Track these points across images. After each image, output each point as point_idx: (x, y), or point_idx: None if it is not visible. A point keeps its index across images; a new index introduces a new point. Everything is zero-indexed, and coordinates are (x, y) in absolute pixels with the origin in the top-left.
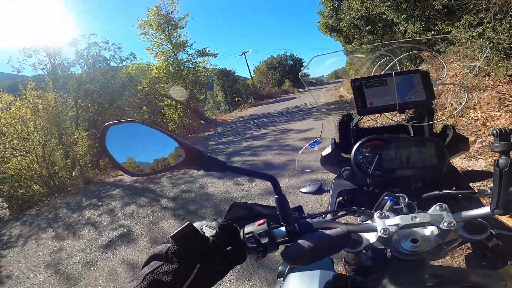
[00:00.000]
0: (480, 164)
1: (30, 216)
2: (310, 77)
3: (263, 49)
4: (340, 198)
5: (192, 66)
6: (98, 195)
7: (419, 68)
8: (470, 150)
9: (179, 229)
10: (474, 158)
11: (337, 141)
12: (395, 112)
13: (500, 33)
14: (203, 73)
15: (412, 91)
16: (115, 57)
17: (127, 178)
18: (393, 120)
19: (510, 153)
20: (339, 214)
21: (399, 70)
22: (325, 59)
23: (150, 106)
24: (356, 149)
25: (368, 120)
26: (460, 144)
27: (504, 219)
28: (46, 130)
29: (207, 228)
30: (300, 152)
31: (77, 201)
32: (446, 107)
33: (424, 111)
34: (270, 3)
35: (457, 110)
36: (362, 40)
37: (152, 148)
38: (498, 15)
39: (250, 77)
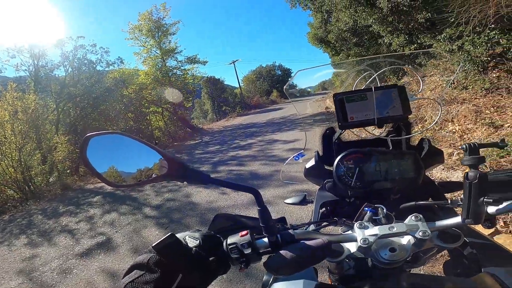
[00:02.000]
0: (457, 175)
1: (3, 221)
2: (296, 88)
3: (252, 59)
4: (324, 209)
5: (181, 73)
6: (77, 202)
7: (402, 80)
8: (448, 161)
9: (161, 239)
10: (452, 169)
11: (321, 153)
12: (374, 126)
13: (478, 46)
14: (192, 80)
15: (390, 106)
16: (101, 61)
17: (107, 186)
18: (373, 134)
19: (479, 166)
20: (321, 225)
21: (379, 85)
22: (312, 72)
23: (135, 112)
24: (337, 162)
25: (351, 132)
26: (435, 156)
27: (479, 228)
28: (24, 134)
29: (190, 238)
30: (284, 164)
31: (53, 207)
32: (426, 120)
33: (402, 125)
34: (262, 14)
35: (432, 125)
36: (349, 52)
37: (135, 160)
38: (477, 28)
39: (238, 86)
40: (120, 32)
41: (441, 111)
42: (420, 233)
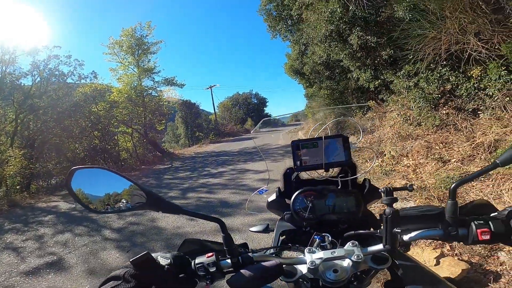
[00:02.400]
0: (410, 205)
1: None
2: (260, 130)
3: (230, 85)
4: (284, 236)
5: (156, 95)
6: (25, 220)
7: (367, 115)
8: (403, 193)
9: (138, 256)
10: (405, 200)
11: (282, 189)
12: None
13: (431, 84)
14: (166, 102)
15: (336, 153)
16: (74, 73)
17: (63, 205)
18: (323, 176)
19: (394, 204)
20: (278, 250)
21: (329, 134)
22: (286, 104)
23: (102, 131)
24: (294, 197)
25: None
26: (374, 193)
27: (411, 252)
28: None
29: (162, 258)
30: (249, 198)
31: None
32: (385, 154)
33: (348, 167)
34: (243, 41)
35: (368, 170)
36: (321, 84)
37: (114, 190)
38: (431, 65)
39: (214, 112)
40: (98, 46)
41: (375, 159)
42: (355, 257)
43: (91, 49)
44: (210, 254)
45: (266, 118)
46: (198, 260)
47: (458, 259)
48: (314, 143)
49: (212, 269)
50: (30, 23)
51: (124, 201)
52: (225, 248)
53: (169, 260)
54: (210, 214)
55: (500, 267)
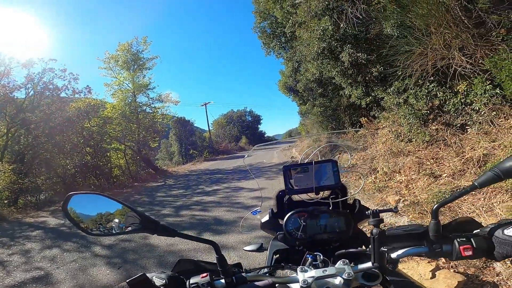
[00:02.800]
0: (404, 220)
1: None
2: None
3: (224, 102)
4: (278, 255)
5: (150, 111)
6: (11, 234)
7: (359, 132)
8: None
9: (135, 277)
10: (399, 215)
11: (275, 210)
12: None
13: (420, 100)
14: (161, 119)
15: (326, 177)
16: (68, 87)
17: (51, 221)
18: (315, 198)
19: (381, 225)
20: (271, 269)
21: (319, 159)
22: (280, 121)
23: (94, 147)
24: (286, 218)
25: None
26: (364, 213)
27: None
28: None
29: (157, 278)
30: (243, 219)
31: None
32: (378, 171)
33: (338, 189)
34: (238, 58)
35: (357, 192)
36: (314, 102)
37: (99, 213)
38: (419, 81)
39: (208, 129)
40: (94, 60)
41: (364, 181)
42: (346, 275)
43: (86, 63)
44: (204, 274)
45: (257, 145)
46: (192, 280)
47: (454, 271)
48: (305, 168)
49: None
50: (27, 35)
51: (117, 221)
52: (219, 268)
53: (164, 281)
54: (204, 237)
55: (497, 277)
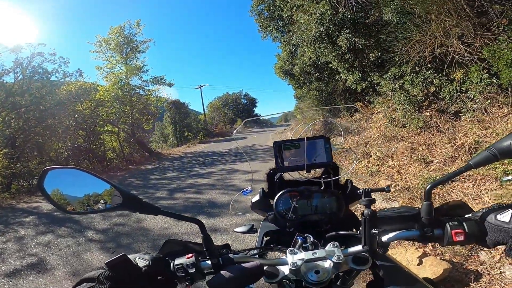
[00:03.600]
0: (394, 205)
1: None
2: (246, 127)
3: (220, 84)
4: (268, 237)
5: (144, 94)
6: (5, 221)
7: (354, 116)
8: (388, 193)
9: (114, 257)
10: (390, 200)
11: (266, 190)
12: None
13: (416, 86)
14: (155, 102)
15: (318, 154)
16: (58, 71)
17: (45, 206)
18: (305, 177)
19: (372, 205)
20: (260, 251)
21: (311, 135)
22: (274, 105)
23: (87, 130)
24: (277, 198)
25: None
26: (356, 194)
27: (395, 251)
28: None
29: (140, 260)
30: (233, 198)
31: None
32: (371, 155)
33: (330, 168)
34: (234, 41)
35: (350, 170)
36: (310, 86)
37: (91, 191)
38: (416, 68)
39: (203, 112)
40: (84, 44)
41: (356, 159)
42: (336, 258)
43: (77, 47)
44: (189, 255)
45: (249, 119)
46: (177, 261)
47: (440, 258)
48: (296, 144)
49: (192, 270)
50: (14, 19)
51: (103, 202)
52: (204, 249)
53: (147, 262)
54: (189, 216)
55: (481, 266)
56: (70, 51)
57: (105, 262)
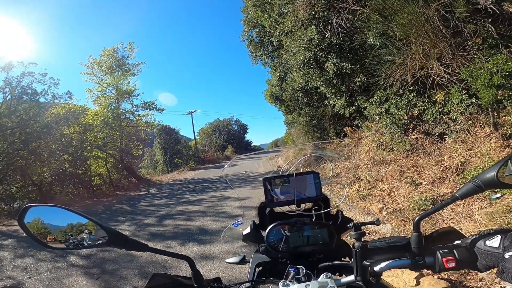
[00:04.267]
0: (387, 228)
1: None
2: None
3: (211, 110)
4: (260, 268)
5: (134, 119)
6: None
7: (343, 142)
8: (379, 216)
9: None
10: (382, 222)
11: (257, 222)
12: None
13: (400, 109)
14: (145, 127)
15: (307, 188)
16: (48, 92)
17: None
18: (297, 210)
19: (362, 238)
20: (253, 284)
21: (301, 171)
22: (265, 130)
23: (73, 154)
24: (268, 230)
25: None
26: (347, 224)
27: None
28: None
29: None
30: (224, 230)
31: None
32: (361, 180)
33: (321, 201)
34: (225, 67)
35: (339, 203)
36: (300, 111)
37: (69, 223)
38: (400, 91)
39: (194, 138)
40: (76, 65)
41: (346, 193)
42: None
43: (68, 67)
44: None
45: (236, 156)
46: None
47: (438, 277)
48: (286, 180)
49: None
50: (7, 37)
51: (88, 232)
52: (194, 285)
53: None
54: (178, 252)
55: (480, 283)
56: (61, 71)
57: None
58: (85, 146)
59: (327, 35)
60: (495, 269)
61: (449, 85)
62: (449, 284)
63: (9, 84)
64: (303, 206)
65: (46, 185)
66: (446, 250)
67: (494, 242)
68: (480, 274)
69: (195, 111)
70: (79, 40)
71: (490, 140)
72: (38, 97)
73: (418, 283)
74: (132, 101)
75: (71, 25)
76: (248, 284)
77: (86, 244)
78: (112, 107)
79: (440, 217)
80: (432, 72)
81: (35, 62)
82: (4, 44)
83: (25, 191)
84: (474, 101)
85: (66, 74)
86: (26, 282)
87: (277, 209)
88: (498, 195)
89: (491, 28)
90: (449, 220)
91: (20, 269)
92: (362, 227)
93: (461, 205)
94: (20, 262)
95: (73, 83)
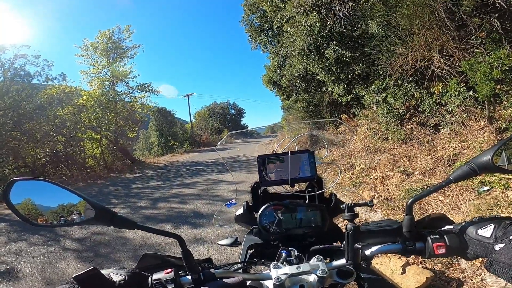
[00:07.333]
0: (378, 216)
1: None
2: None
3: (207, 94)
4: (252, 250)
5: (130, 100)
6: None
7: (339, 129)
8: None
9: (83, 271)
10: (373, 211)
11: (250, 203)
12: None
13: (398, 99)
14: (140, 109)
15: (302, 168)
16: (41, 74)
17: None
18: (291, 190)
19: (355, 220)
20: (244, 265)
21: (296, 149)
22: (261, 115)
23: (67, 136)
24: (261, 211)
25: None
26: (340, 207)
27: (379, 261)
28: None
29: (115, 274)
30: (216, 211)
31: None
32: (355, 167)
33: (315, 182)
34: (223, 50)
35: (332, 186)
36: (297, 97)
37: (60, 204)
38: (398, 81)
39: (190, 121)
40: (70, 48)
41: (339, 174)
42: (320, 272)
43: (63, 50)
44: (168, 270)
45: (233, 132)
46: (155, 276)
47: (423, 267)
48: (281, 158)
49: (170, 286)
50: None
51: (77, 213)
52: (184, 264)
53: (123, 277)
54: (168, 231)
55: (462, 274)
56: (55, 54)
57: (73, 276)
58: (79, 127)
59: (329, 22)
60: (481, 259)
61: (448, 77)
62: (433, 274)
63: (1, 66)
64: (297, 186)
65: (39, 166)
66: (437, 236)
67: (487, 231)
68: (463, 266)
69: (191, 94)
70: (74, 22)
71: (484, 133)
72: (31, 78)
73: (404, 272)
74: (128, 83)
75: (66, 6)
76: (239, 265)
77: (77, 220)
78: (107, 88)
79: (429, 206)
80: (432, 64)
81: (27, 45)
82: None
83: (18, 172)
84: (471, 94)
85: (60, 57)
86: (19, 266)
87: (271, 190)
88: (487, 187)
89: (497, 23)
90: (437, 210)
91: (13, 254)
92: (355, 209)
93: (450, 196)
94: (13, 246)
95: (67, 65)
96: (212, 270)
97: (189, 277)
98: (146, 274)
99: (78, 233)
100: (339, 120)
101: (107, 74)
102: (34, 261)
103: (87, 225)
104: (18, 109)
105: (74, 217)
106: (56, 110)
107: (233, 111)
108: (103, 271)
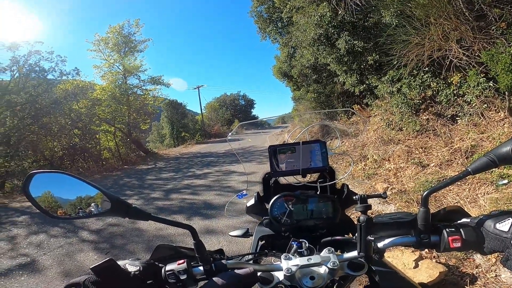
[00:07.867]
0: (391, 208)
1: None
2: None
3: (217, 85)
4: (263, 241)
5: (141, 93)
6: None
7: (352, 119)
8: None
9: (100, 262)
10: (386, 203)
11: (261, 194)
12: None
13: (413, 89)
14: (152, 102)
15: (313, 158)
16: (55, 69)
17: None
18: (303, 181)
19: (368, 212)
20: (255, 256)
21: (308, 139)
22: (272, 106)
23: (83, 129)
24: (272, 202)
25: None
26: (352, 199)
27: (391, 255)
28: None
29: (130, 265)
30: (228, 202)
31: None
32: (368, 158)
33: (326, 172)
34: (233, 42)
35: (344, 176)
36: (308, 88)
37: (78, 196)
38: (414, 71)
39: (200, 113)
40: (82, 43)
41: (352, 165)
42: (331, 264)
43: (75, 45)
44: (181, 261)
45: (244, 122)
46: (168, 267)
47: (436, 261)
48: (292, 149)
49: (183, 277)
50: (12, 17)
51: (95, 205)
52: (196, 255)
53: (138, 267)
54: (182, 222)
55: (476, 269)
56: (68, 50)
57: (91, 267)
58: (93, 120)
59: (340, 12)
60: (497, 254)
61: (466, 68)
62: (446, 269)
63: (16, 62)
64: (308, 176)
65: (57, 159)
66: (453, 229)
67: (505, 225)
68: (477, 261)
69: (202, 86)
70: (86, 18)
71: (504, 124)
72: (46, 74)
73: (416, 266)
74: (139, 76)
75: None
76: (250, 256)
77: (94, 212)
78: (120, 82)
79: (444, 200)
80: (450, 54)
81: (41, 41)
82: (10, 24)
83: (37, 166)
84: (491, 85)
85: (73, 52)
86: (39, 259)
87: (282, 181)
88: (505, 181)
89: None
90: (454, 203)
91: (34, 246)
92: (368, 200)
93: (467, 189)
94: (34, 238)
95: (80, 60)
96: (223, 261)
97: (201, 267)
98: (160, 265)
99: (94, 225)
100: (352, 110)
101: (119, 68)
102: (54, 253)
103: (103, 216)
104: (35, 104)
105: (92, 209)
106: (71, 104)
107: (243, 102)
108: (119, 262)
